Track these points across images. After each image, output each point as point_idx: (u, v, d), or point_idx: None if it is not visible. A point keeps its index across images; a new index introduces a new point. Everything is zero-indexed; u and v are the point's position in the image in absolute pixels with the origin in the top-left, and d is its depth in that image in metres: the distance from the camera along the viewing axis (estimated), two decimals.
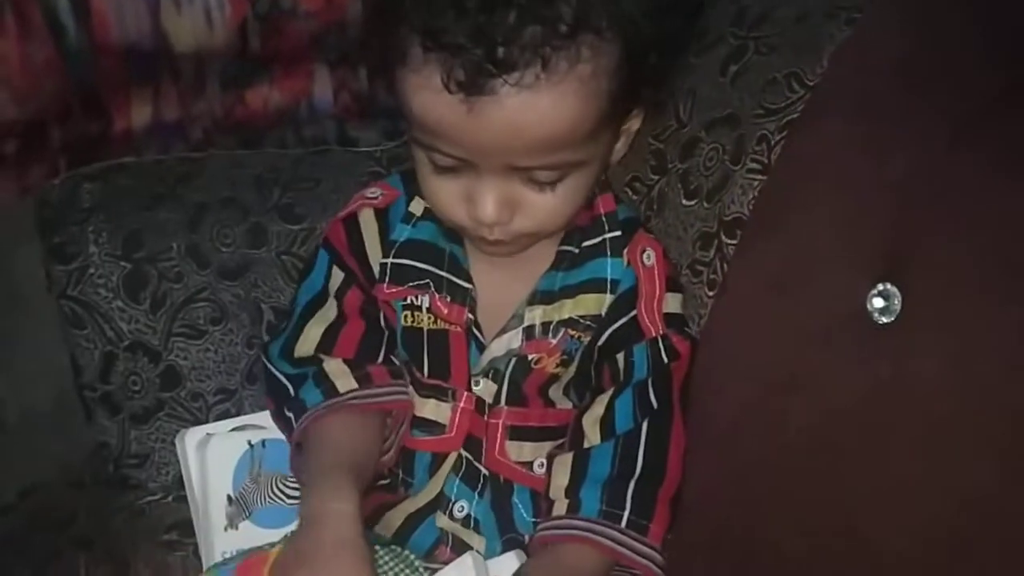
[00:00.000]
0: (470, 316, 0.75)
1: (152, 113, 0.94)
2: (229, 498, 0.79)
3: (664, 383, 0.73)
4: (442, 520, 0.76)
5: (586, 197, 0.72)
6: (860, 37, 0.71)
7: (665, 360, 0.73)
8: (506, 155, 0.64)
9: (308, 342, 0.74)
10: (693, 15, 0.79)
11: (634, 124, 0.73)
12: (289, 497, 0.79)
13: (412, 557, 0.67)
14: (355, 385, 0.72)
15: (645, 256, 0.76)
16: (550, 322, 0.74)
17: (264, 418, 0.81)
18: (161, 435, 0.88)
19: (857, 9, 0.72)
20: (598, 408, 0.73)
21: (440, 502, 0.76)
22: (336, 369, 0.72)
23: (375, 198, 0.78)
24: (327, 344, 0.74)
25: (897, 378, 0.60)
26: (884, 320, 0.62)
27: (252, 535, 0.77)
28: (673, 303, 0.76)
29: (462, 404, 0.75)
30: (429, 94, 0.62)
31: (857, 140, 0.68)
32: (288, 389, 0.73)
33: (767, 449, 0.67)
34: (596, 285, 0.75)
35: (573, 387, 0.76)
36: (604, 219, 0.76)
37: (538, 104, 0.61)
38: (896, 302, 0.62)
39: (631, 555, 0.68)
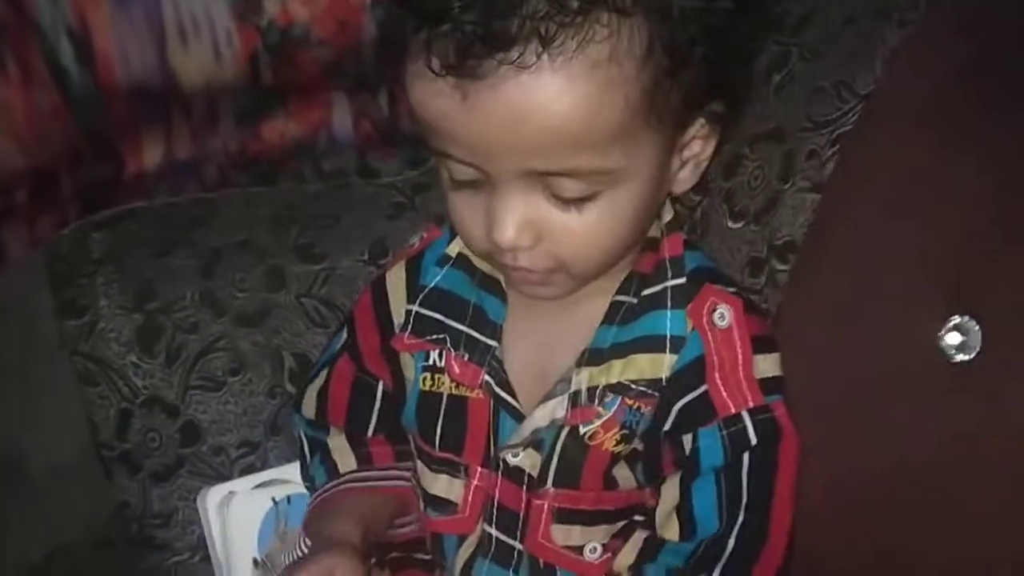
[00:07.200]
0: (488, 379, 0.65)
1: (164, 153, 0.91)
2: (255, 561, 0.77)
3: (763, 470, 0.60)
4: None
5: (633, 228, 0.60)
6: (916, 40, 0.65)
7: (753, 441, 0.60)
8: (515, 155, 0.55)
9: (309, 404, 0.74)
10: (752, 6, 0.62)
11: (699, 148, 0.61)
12: None
13: None
14: (355, 466, 0.70)
15: (716, 316, 0.62)
16: (596, 387, 0.62)
17: (290, 471, 0.79)
18: (184, 492, 0.83)
19: (912, 8, 0.66)
20: (669, 494, 0.62)
21: None
22: (339, 445, 0.72)
23: (413, 245, 0.72)
24: (322, 408, 0.73)
25: (982, 424, 0.54)
26: (961, 357, 0.56)
27: None
28: (767, 365, 0.62)
29: (476, 482, 0.66)
30: (423, 83, 0.54)
31: (919, 153, 0.61)
32: (306, 455, 0.74)
33: (833, 500, 0.61)
34: (652, 343, 0.62)
35: (642, 465, 0.64)
36: (668, 264, 0.64)
37: (541, 89, 0.52)
38: (975, 337, 0.55)
39: None
